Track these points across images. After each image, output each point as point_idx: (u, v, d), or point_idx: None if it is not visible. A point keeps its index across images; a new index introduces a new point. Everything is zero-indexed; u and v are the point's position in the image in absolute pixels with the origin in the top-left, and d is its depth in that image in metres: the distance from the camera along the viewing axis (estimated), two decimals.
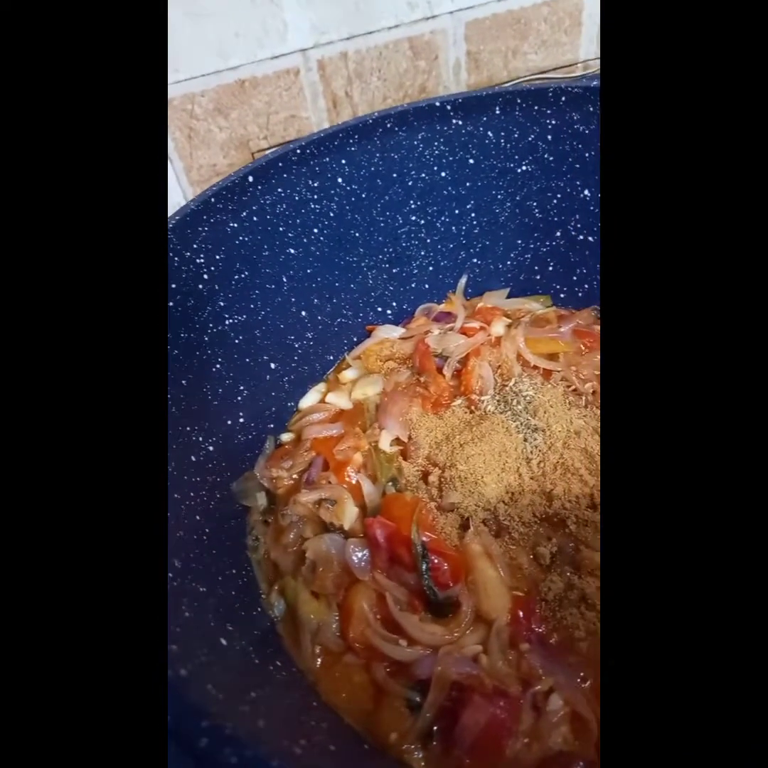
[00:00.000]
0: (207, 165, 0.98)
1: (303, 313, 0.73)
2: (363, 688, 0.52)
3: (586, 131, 0.69)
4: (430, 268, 0.80)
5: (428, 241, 0.78)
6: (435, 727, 0.49)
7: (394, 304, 0.81)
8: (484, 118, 0.70)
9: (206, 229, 0.60)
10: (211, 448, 0.59)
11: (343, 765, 0.40)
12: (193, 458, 0.56)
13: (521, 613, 0.54)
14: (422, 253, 0.79)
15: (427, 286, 0.82)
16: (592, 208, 0.74)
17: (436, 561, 0.56)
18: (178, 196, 1.00)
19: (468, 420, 0.68)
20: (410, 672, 0.51)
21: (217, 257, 0.62)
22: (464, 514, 0.61)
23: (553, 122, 0.70)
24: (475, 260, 0.81)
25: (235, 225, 0.63)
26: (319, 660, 0.54)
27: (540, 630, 0.53)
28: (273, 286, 0.68)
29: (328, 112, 0.99)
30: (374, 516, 0.60)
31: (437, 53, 1.00)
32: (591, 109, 0.68)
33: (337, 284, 0.75)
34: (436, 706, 0.49)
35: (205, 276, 0.60)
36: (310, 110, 0.98)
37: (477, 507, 0.61)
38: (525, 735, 0.48)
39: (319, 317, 0.75)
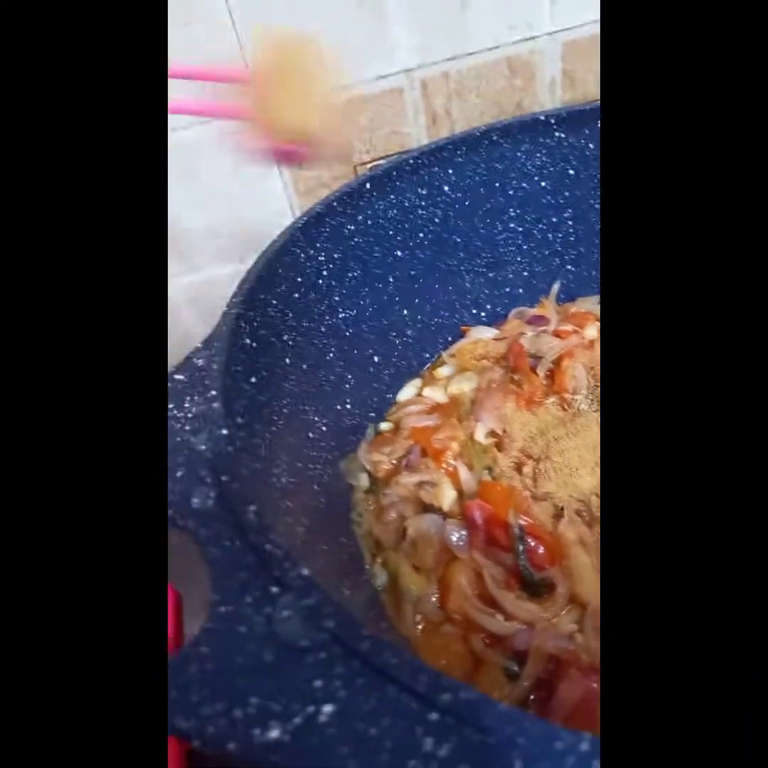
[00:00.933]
0: (313, 177, 1.06)
1: (405, 311, 0.78)
2: (462, 656, 0.55)
3: None
4: (525, 274, 0.84)
5: (525, 247, 0.82)
6: (531, 696, 0.52)
7: (489, 306, 0.85)
8: (586, 131, 0.74)
9: (327, 230, 0.66)
10: (324, 428, 0.64)
11: None
12: (310, 435, 0.61)
13: None
14: (518, 258, 0.83)
15: (521, 290, 0.85)
16: None
17: (532, 544, 0.59)
18: (285, 205, 1.08)
19: (562, 417, 0.71)
20: (508, 644, 0.54)
21: (335, 256, 0.68)
22: (558, 503, 0.63)
23: None
24: (568, 267, 0.84)
25: (352, 227, 0.69)
26: (420, 627, 0.58)
27: None
28: (380, 285, 0.73)
29: (428, 129, 1.05)
30: (471, 500, 0.63)
31: (534, 72, 1.04)
32: None
33: (436, 286, 0.80)
34: (533, 677, 0.52)
35: (325, 272, 0.66)
36: (411, 126, 1.04)
37: (571, 497, 0.63)
38: None
39: (419, 316, 0.80)
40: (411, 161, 0.71)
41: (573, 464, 0.64)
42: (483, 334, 0.83)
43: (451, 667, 0.55)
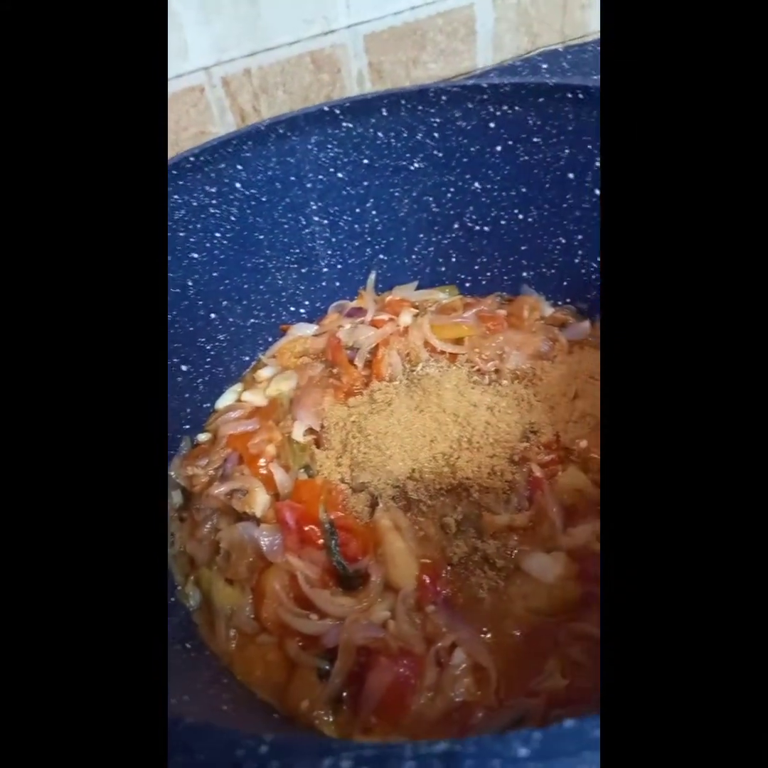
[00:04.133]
0: None
1: (212, 315, 0.74)
2: (276, 664, 0.54)
3: (469, 127, 0.74)
4: (339, 266, 0.83)
5: (333, 240, 0.81)
6: (344, 693, 0.51)
7: (307, 302, 0.84)
8: (373, 120, 0.74)
9: None
10: None
11: (233, 722, 0.41)
12: None
13: (427, 579, 0.56)
14: (329, 251, 0.82)
15: (337, 283, 0.84)
16: (483, 199, 0.78)
17: (345, 537, 0.58)
18: None
19: (378, 405, 0.70)
20: (320, 643, 0.53)
21: None
22: (374, 492, 0.63)
23: (438, 120, 0.74)
24: (381, 256, 0.84)
25: None
26: (234, 642, 0.55)
27: (445, 592, 0.56)
28: (178, 290, 0.70)
29: (237, 127, 1.02)
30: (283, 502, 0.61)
31: (339, 66, 1.04)
32: (469, 106, 0.72)
33: (245, 286, 0.77)
34: (344, 672, 0.51)
35: None
36: (218, 125, 1.01)
37: (386, 485, 0.63)
38: (429, 689, 0.50)
39: (231, 319, 0.77)
40: (191, 158, 0.67)
41: (387, 452, 0.64)
42: (303, 331, 0.82)
43: (265, 676, 0.53)
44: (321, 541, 0.58)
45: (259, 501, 0.62)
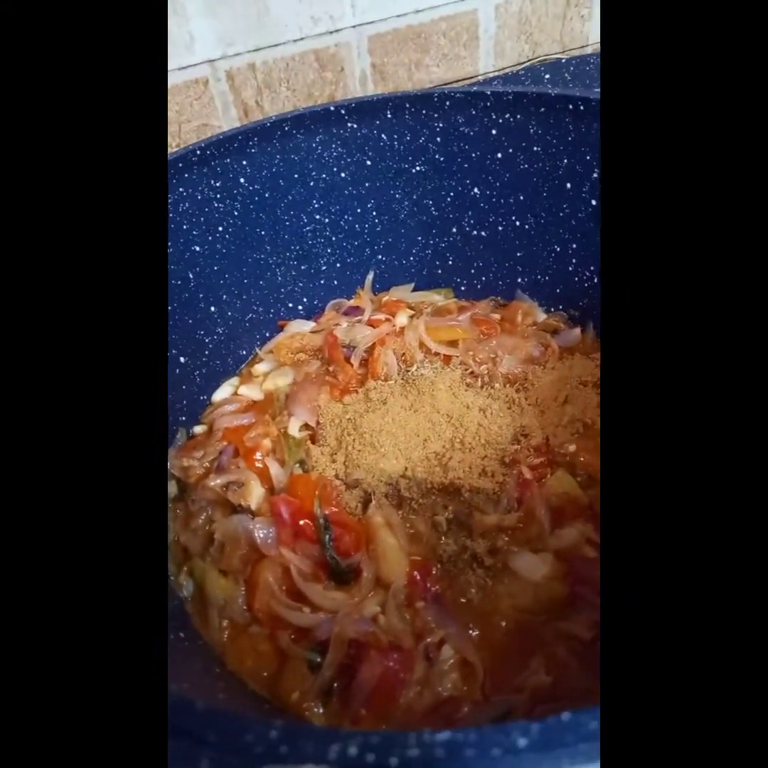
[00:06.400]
0: None
1: (212, 308, 0.75)
2: (268, 656, 0.55)
3: (471, 133, 0.75)
4: (338, 265, 0.84)
5: (333, 239, 0.82)
6: (335, 685, 0.52)
7: (305, 299, 0.85)
8: (377, 122, 0.75)
9: None
10: None
11: (229, 706, 0.42)
12: None
13: (418, 575, 0.57)
14: (329, 250, 0.83)
15: (335, 282, 0.85)
16: (482, 204, 0.80)
17: (338, 532, 0.59)
18: None
19: (373, 404, 0.72)
20: (312, 635, 0.54)
21: None
22: (367, 489, 0.64)
23: (441, 125, 0.75)
24: (380, 257, 0.85)
25: None
26: (226, 633, 0.56)
27: (435, 589, 0.57)
28: (179, 283, 0.70)
29: (240, 121, 1.03)
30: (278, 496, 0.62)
31: (343, 65, 1.05)
32: (473, 112, 0.73)
33: (245, 281, 0.78)
34: (335, 665, 0.52)
35: None
36: (222, 119, 1.01)
37: (379, 482, 0.64)
38: (417, 684, 0.51)
39: (230, 313, 0.77)
40: (198, 152, 0.68)
41: (381, 450, 0.65)
42: (300, 327, 0.83)
43: (257, 667, 0.54)
44: (315, 535, 0.59)
45: (255, 494, 0.63)
